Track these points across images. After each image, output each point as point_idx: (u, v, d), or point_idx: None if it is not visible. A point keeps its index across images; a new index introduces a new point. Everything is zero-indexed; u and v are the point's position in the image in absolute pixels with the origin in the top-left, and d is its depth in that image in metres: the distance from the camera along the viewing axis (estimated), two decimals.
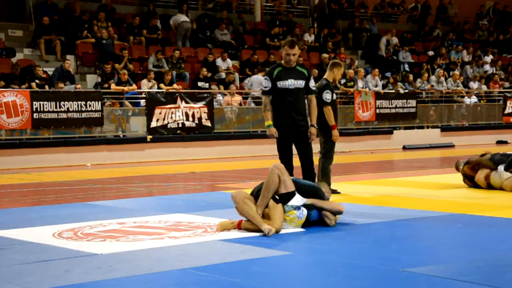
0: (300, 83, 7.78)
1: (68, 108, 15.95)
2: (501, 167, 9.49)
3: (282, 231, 6.55)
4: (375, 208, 8.07)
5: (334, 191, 8.89)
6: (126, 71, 17.76)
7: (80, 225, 7.10)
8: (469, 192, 9.50)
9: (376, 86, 21.36)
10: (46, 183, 12.38)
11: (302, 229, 6.61)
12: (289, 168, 7.54)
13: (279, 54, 22.52)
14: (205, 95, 18.02)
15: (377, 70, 21.95)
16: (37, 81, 16.40)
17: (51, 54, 19.09)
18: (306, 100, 7.93)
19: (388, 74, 22.98)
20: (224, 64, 20.72)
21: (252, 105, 19.34)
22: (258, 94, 17.78)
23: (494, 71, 25.97)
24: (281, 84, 7.73)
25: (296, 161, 7.82)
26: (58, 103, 15.83)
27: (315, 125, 7.95)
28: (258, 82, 18.83)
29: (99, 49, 19.07)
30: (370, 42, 25.44)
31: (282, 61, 7.89)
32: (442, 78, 23.11)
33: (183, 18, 21.33)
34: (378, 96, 20.70)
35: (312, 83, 7.90)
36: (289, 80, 7.74)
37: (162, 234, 6.54)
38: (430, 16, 29.51)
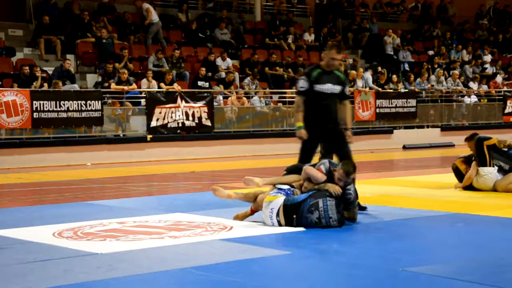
0: (337, 88, 7.69)
1: (68, 108, 15.95)
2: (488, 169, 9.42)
3: (282, 231, 6.55)
4: (375, 207, 8.06)
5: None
6: (126, 71, 17.76)
7: (80, 225, 7.09)
8: (469, 192, 9.49)
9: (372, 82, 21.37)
10: (46, 182, 12.37)
11: (302, 229, 6.60)
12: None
13: (279, 54, 22.60)
14: (205, 94, 18.02)
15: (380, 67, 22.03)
16: (34, 83, 16.37)
17: (51, 53, 19.09)
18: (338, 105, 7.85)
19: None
20: (224, 63, 20.72)
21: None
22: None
23: (494, 71, 25.97)
24: (318, 87, 7.63)
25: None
26: (58, 102, 15.83)
27: (350, 129, 7.93)
28: None
29: (99, 48, 19.06)
30: (371, 41, 25.43)
31: (322, 63, 7.76)
32: (442, 78, 23.11)
33: (154, 19, 21.13)
34: (378, 95, 20.69)
35: (347, 89, 7.86)
36: (327, 85, 7.64)
37: (162, 234, 6.54)
38: (430, 16, 29.51)
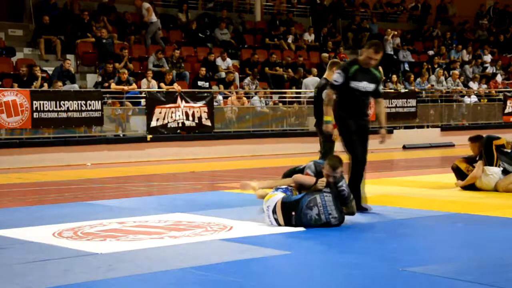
0: (371, 87, 7.65)
1: (68, 108, 15.95)
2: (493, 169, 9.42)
3: (282, 231, 6.55)
4: (375, 207, 8.06)
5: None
6: (126, 71, 17.76)
7: (80, 225, 7.09)
8: (469, 192, 9.49)
9: None
10: (46, 182, 12.37)
11: (302, 229, 6.60)
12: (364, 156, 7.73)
13: (279, 54, 22.60)
14: (205, 94, 18.02)
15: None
16: (35, 83, 16.36)
17: (51, 53, 19.09)
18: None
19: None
20: (224, 63, 20.73)
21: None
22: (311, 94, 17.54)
23: (494, 71, 25.97)
24: (354, 84, 7.55)
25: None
26: (58, 102, 15.83)
27: (385, 127, 7.94)
28: (312, 84, 18.94)
29: (99, 48, 19.07)
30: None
31: (360, 58, 7.62)
32: (442, 78, 23.11)
33: (153, 18, 21.15)
34: None
35: (381, 87, 7.81)
36: (363, 82, 7.58)
37: (162, 234, 6.54)
38: (430, 16, 29.52)
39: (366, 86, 7.60)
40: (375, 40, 8.00)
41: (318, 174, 6.92)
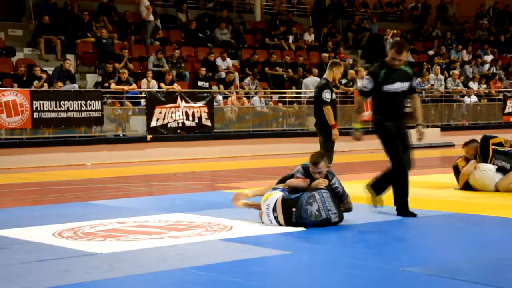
0: (405, 86, 7.42)
1: (68, 108, 15.95)
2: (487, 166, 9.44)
3: (282, 231, 6.55)
4: (375, 207, 8.05)
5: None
6: (126, 71, 17.76)
7: (80, 225, 7.09)
8: (469, 192, 9.49)
9: None
10: (46, 182, 12.37)
11: (302, 229, 6.60)
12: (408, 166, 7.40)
13: (279, 54, 22.60)
14: (205, 94, 18.02)
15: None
16: (36, 82, 16.37)
17: (51, 53, 19.09)
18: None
19: None
20: (224, 63, 20.73)
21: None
22: (311, 94, 17.48)
23: (494, 71, 25.98)
24: (387, 87, 7.36)
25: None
26: (58, 102, 15.83)
27: (422, 124, 7.70)
28: (312, 84, 18.96)
29: (99, 48, 19.07)
30: (371, 41, 25.42)
31: (387, 60, 7.43)
32: (441, 76, 23.11)
33: (151, 17, 21.14)
34: None
35: (415, 82, 7.60)
36: (396, 84, 7.36)
37: (162, 234, 6.54)
38: (430, 16, 29.52)
39: (399, 86, 7.38)
40: (399, 40, 7.83)
41: (308, 175, 6.95)
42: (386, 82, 7.33)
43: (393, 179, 7.44)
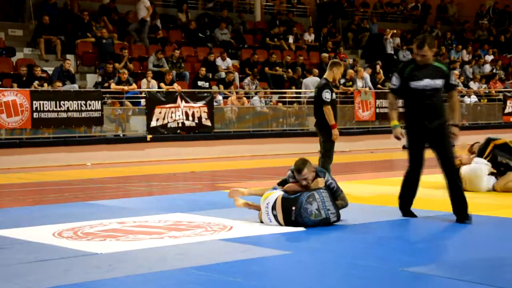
0: (438, 83, 6.96)
1: (68, 108, 15.95)
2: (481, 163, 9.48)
3: (282, 231, 6.55)
4: (375, 207, 8.07)
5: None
6: (126, 71, 17.76)
7: (80, 225, 7.09)
8: (468, 192, 9.45)
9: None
10: (46, 182, 12.37)
11: (302, 229, 6.60)
12: (421, 167, 7.20)
13: (279, 54, 22.60)
14: (205, 94, 18.02)
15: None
16: (36, 82, 16.36)
17: (51, 53, 19.09)
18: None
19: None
20: (224, 63, 20.73)
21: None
22: (311, 94, 17.44)
23: (495, 71, 25.99)
24: (415, 84, 6.96)
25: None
26: (58, 102, 15.83)
27: (458, 124, 7.18)
28: (312, 84, 18.95)
29: (99, 48, 19.07)
30: (371, 41, 25.43)
31: (414, 56, 7.13)
32: None
33: (148, 17, 21.11)
34: (378, 95, 20.69)
35: (452, 78, 7.12)
36: (425, 80, 6.94)
37: (162, 234, 6.54)
38: (430, 16, 29.52)
39: (429, 83, 6.94)
40: (420, 35, 7.57)
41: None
42: (412, 78, 6.98)
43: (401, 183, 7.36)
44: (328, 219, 6.71)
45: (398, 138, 7.31)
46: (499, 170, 9.52)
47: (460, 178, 7.28)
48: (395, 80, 7.18)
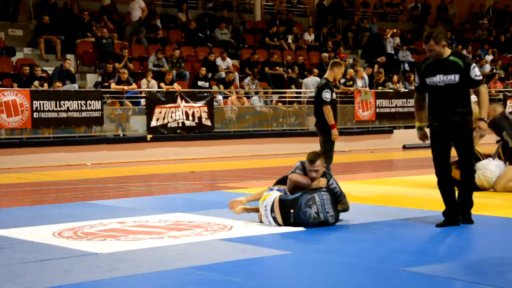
0: (452, 78, 6.61)
1: (68, 108, 15.96)
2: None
3: (282, 231, 6.55)
4: (375, 207, 8.06)
5: None
6: (126, 71, 17.76)
7: (80, 224, 7.10)
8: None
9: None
10: (46, 182, 12.37)
11: (302, 229, 6.60)
12: (447, 169, 6.79)
13: (279, 54, 22.60)
14: (205, 94, 18.02)
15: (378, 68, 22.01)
16: (36, 81, 16.36)
17: (51, 53, 19.09)
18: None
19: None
20: (224, 63, 20.73)
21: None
22: (311, 94, 17.46)
23: (494, 71, 25.98)
24: (429, 80, 6.73)
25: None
26: (58, 102, 15.84)
27: (485, 119, 6.77)
28: (312, 84, 18.96)
29: (99, 48, 19.07)
30: (371, 41, 25.42)
31: None
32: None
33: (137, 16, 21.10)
34: (378, 95, 20.70)
35: (473, 73, 6.64)
36: (438, 76, 6.67)
37: (162, 234, 6.54)
38: (430, 16, 29.52)
39: (442, 79, 6.65)
40: (429, 30, 7.36)
41: (306, 173, 6.94)
42: (426, 74, 6.77)
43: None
44: (326, 222, 6.72)
45: (421, 139, 7.15)
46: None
47: (474, 178, 7.06)
48: (416, 78, 7.04)
